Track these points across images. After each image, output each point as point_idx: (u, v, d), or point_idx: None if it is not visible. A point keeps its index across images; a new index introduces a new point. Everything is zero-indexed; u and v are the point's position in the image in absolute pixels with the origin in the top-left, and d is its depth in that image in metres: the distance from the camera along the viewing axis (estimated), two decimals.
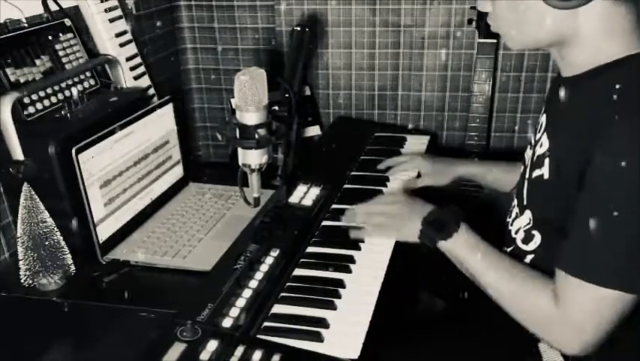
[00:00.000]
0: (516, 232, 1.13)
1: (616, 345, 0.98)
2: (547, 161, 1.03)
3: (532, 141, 1.15)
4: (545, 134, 1.07)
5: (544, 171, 1.04)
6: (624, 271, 0.90)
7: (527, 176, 1.11)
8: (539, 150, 1.07)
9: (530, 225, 1.08)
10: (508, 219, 1.19)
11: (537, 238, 1.08)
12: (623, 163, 0.87)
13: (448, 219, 1.17)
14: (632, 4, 0.95)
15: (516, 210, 1.15)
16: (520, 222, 1.12)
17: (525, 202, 1.11)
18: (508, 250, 1.17)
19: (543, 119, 1.12)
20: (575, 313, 0.95)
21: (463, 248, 1.14)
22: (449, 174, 1.56)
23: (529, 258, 1.10)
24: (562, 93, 1.06)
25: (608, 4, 0.93)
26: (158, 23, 1.97)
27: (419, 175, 1.59)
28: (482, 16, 1.83)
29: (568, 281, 0.94)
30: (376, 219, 1.28)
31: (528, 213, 1.09)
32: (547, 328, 1.00)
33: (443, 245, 1.16)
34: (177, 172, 1.56)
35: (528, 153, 1.17)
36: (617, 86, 0.92)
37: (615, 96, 0.91)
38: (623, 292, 0.90)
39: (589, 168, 0.90)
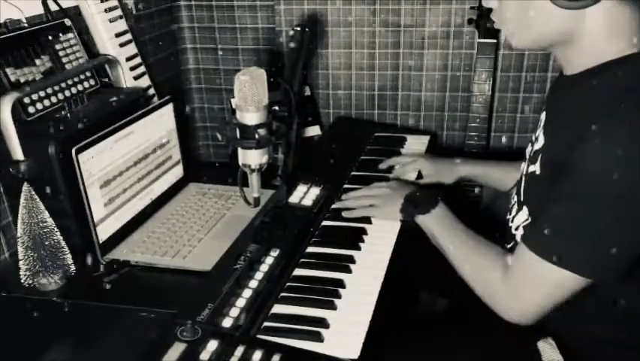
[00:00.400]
0: (516, 229, 1.13)
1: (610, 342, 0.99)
2: (540, 157, 1.04)
3: (533, 138, 1.15)
4: (542, 131, 1.07)
5: (537, 168, 1.05)
6: (572, 250, 0.94)
7: (524, 172, 1.12)
8: (535, 146, 1.08)
9: (529, 221, 1.09)
10: (508, 216, 1.20)
11: None
12: (604, 152, 0.88)
13: (427, 197, 1.29)
14: (636, 4, 0.95)
15: (516, 206, 1.16)
16: (519, 219, 1.12)
17: (522, 198, 1.11)
18: (509, 246, 1.17)
19: (543, 116, 1.12)
20: (519, 282, 1.01)
21: (437, 223, 1.24)
22: (451, 174, 1.56)
23: None
24: (562, 91, 1.07)
25: (614, 4, 0.94)
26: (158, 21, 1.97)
27: (420, 176, 1.59)
28: (482, 16, 1.83)
29: (521, 251, 1.00)
30: (364, 201, 1.39)
31: (526, 210, 1.10)
32: (495, 295, 1.06)
33: (420, 219, 1.26)
34: (177, 172, 1.56)
35: (528, 150, 1.17)
36: (615, 83, 0.93)
37: (612, 93, 0.91)
38: (566, 271, 0.94)
39: (572, 155, 0.92)
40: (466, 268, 1.14)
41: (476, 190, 1.89)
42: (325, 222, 1.37)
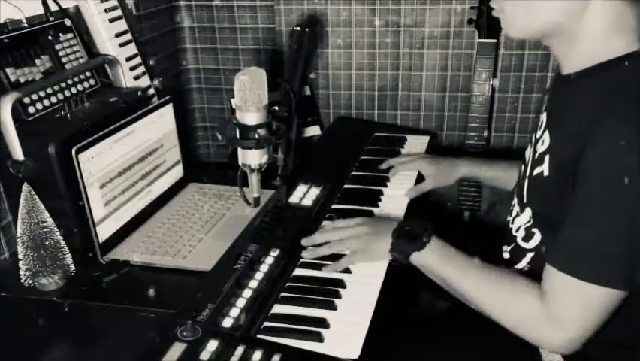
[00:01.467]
0: (516, 230, 1.13)
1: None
2: (547, 158, 1.04)
3: (533, 140, 1.15)
4: (547, 131, 1.07)
5: (544, 169, 1.04)
6: (610, 267, 0.91)
7: (528, 174, 1.11)
8: (540, 148, 1.07)
9: (530, 223, 1.09)
10: (508, 218, 1.19)
11: (537, 236, 1.08)
12: (619, 159, 0.87)
13: (419, 230, 1.15)
14: (637, 3, 0.95)
15: (516, 208, 1.15)
16: (520, 221, 1.12)
17: (525, 200, 1.11)
18: (509, 248, 1.17)
19: (544, 117, 1.12)
20: (561, 310, 0.95)
21: (438, 258, 1.12)
22: (452, 174, 1.55)
23: (529, 256, 1.11)
24: (562, 90, 1.06)
25: (616, 2, 0.94)
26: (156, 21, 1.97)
27: (421, 177, 1.57)
28: (482, 16, 1.83)
29: (556, 277, 0.95)
30: (341, 245, 1.21)
31: (528, 211, 1.09)
32: (533, 327, 1.00)
33: (416, 257, 1.14)
34: (177, 172, 1.56)
35: (528, 151, 1.17)
36: (618, 84, 0.93)
37: (614, 93, 0.91)
38: (609, 289, 0.91)
39: (581, 160, 0.91)
40: (491, 302, 1.05)
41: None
42: (325, 223, 1.37)
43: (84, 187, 1.20)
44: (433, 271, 1.13)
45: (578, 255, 0.93)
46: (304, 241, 1.24)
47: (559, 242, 0.96)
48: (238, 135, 1.13)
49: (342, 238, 1.22)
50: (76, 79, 1.41)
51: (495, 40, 1.84)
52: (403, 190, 1.50)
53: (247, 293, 1.08)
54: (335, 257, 1.20)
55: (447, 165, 1.57)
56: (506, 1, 1.01)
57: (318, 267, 1.19)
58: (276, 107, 1.30)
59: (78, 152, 1.18)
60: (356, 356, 0.97)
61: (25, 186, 1.14)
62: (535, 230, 1.08)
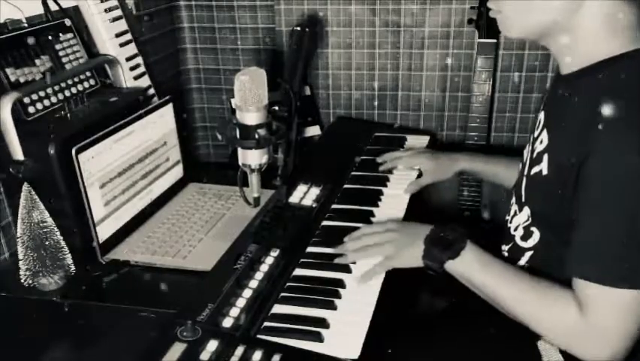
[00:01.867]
0: (515, 229, 1.13)
1: None
2: (546, 157, 1.04)
3: (531, 138, 1.15)
4: (545, 130, 1.07)
5: (543, 168, 1.04)
6: (638, 270, 0.89)
7: (526, 173, 1.11)
8: (539, 147, 1.07)
9: (529, 222, 1.09)
10: (507, 217, 1.19)
11: (536, 235, 1.08)
12: (621, 161, 0.87)
13: (453, 236, 1.11)
14: (634, 3, 0.95)
15: (515, 207, 1.15)
16: (519, 220, 1.12)
17: (524, 199, 1.11)
18: (507, 247, 1.17)
19: (542, 116, 1.12)
20: (602, 321, 0.92)
21: (474, 265, 1.08)
22: (451, 168, 1.54)
23: (527, 255, 1.11)
24: (561, 90, 1.07)
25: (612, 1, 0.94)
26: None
27: (420, 174, 1.57)
28: (482, 16, 1.83)
29: (589, 288, 0.92)
30: (372, 251, 1.19)
31: (527, 210, 1.09)
32: (573, 339, 0.97)
33: (451, 265, 1.10)
34: (177, 172, 1.56)
35: (527, 150, 1.17)
36: (616, 83, 0.93)
37: (614, 93, 0.91)
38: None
39: (584, 166, 0.91)
40: (531, 312, 1.02)
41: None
42: (325, 222, 1.37)
43: (84, 187, 1.20)
44: (468, 278, 1.09)
45: (604, 263, 0.91)
46: (337, 249, 1.22)
47: (580, 250, 0.94)
48: (238, 135, 1.13)
49: (375, 243, 1.19)
50: (76, 79, 1.41)
51: (495, 40, 1.84)
52: (403, 190, 1.50)
53: (247, 293, 1.08)
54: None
55: (445, 158, 1.56)
56: (504, 2, 1.02)
57: (318, 267, 1.19)
58: (276, 107, 1.30)
59: (78, 152, 1.18)
60: (356, 356, 0.96)
61: (25, 186, 1.14)
62: (533, 229, 1.08)
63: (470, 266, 1.08)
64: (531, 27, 1.02)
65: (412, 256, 1.13)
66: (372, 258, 1.18)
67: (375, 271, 1.15)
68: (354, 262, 1.19)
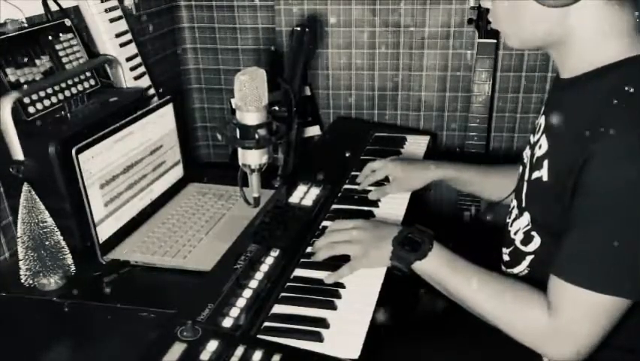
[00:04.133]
0: (515, 233, 1.13)
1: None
2: (546, 163, 1.03)
3: (531, 142, 1.15)
4: (544, 136, 1.07)
5: (544, 174, 1.03)
6: (617, 276, 0.91)
7: (527, 178, 1.11)
8: (538, 152, 1.07)
9: (529, 226, 1.08)
10: (507, 220, 1.19)
11: (536, 240, 1.08)
12: (618, 170, 0.87)
13: (421, 237, 1.12)
14: (628, 5, 0.95)
15: (515, 211, 1.15)
16: (519, 224, 1.12)
17: (524, 204, 1.11)
18: (508, 250, 1.17)
19: (542, 120, 1.12)
20: (570, 321, 0.95)
21: (441, 266, 1.10)
22: (421, 177, 1.48)
23: (528, 259, 1.10)
24: (560, 95, 1.06)
25: (601, 4, 0.94)
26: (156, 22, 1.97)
27: (387, 180, 1.51)
28: (482, 16, 1.83)
29: (563, 288, 0.94)
30: (340, 249, 1.19)
31: (527, 215, 1.09)
32: (540, 338, 0.99)
33: (418, 266, 1.11)
34: (177, 172, 1.56)
35: (527, 154, 1.16)
36: (615, 89, 0.92)
37: (613, 100, 0.91)
38: (618, 298, 0.91)
39: (583, 173, 0.91)
40: (493, 311, 1.04)
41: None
42: (325, 223, 1.36)
43: (84, 187, 1.20)
44: (434, 279, 1.11)
45: (585, 266, 0.92)
46: (311, 248, 1.23)
47: (565, 254, 0.95)
48: (238, 135, 1.13)
49: (344, 240, 1.20)
50: (76, 79, 1.41)
51: (495, 41, 1.84)
52: (403, 190, 1.50)
53: (247, 293, 1.08)
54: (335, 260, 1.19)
55: (416, 168, 1.50)
56: (498, 16, 1.03)
57: (319, 267, 1.19)
58: (276, 107, 1.30)
59: (78, 152, 1.18)
60: (356, 356, 0.97)
61: (25, 186, 1.14)
62: (534, 234, 1.08)
63: (438, 268, 1.10)
64: (526, 39, 1.03)
65: (379, 256, 1.14)
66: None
67: (342, 273, 1.15)
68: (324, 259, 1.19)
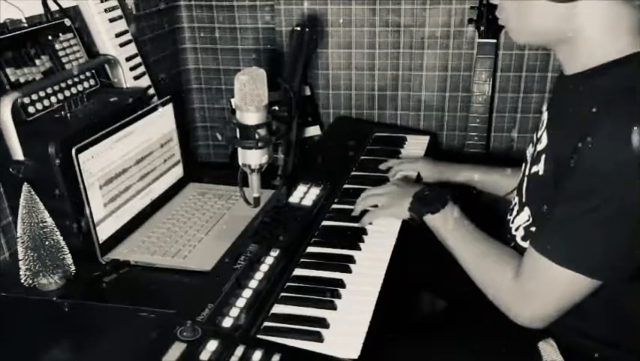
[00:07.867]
0: (516, 229, 1.13)
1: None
2: (543, 157, 1.04)
3: (534, 138, 1.15)
4: (546, 131, 1.07)
5: (540, 168, 1.05)
6: (582, 254, 0.94)
7: (527, 172, 1.12)
8: (539, 147, 1.08)
9: (530, 222, 1.09)
10: (509, 217, 1.19)
11: None
12: (608, 152, 0.88)
13: (437, 196, 1.26)
14: (633, 2, 0.96)
15: (517, 207, 1.15)
16: (520, 220, 1.12)
17: (524, 199, 1.11)
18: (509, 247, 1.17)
19: (545, 116, 1.12)
20: (530, 287, 1.01)
21: (447, 223, 1.21)
22: (450, 179, 1.53)
23: None
24: (563, 91, 1.07)
25: (607, 1, 0.94)
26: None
27: (419, 178, 1.57)
28: (482, 16, 1.83)
29: (532, 257, 1.00)
30: (371, 200, 1.37)
31: (527, 210, 1.10)
32: (505, 300, 1.05)
33: (429, 219, 1.24)
34: (177, 172, 1.56)
35: (529, 150, 1.17)
36: (617, 86, 0.92)
37: (615, 95, 0.91)
38: (578, 274, 0.94)
39: (572, 157, 0.92)
40: (476, 270, 1.13)
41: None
42: (325, 222, 1.37)
43: (84, 187, 1.20)
44: (440, 235, 1.22)
45: (555, 239, 0.97)
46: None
47: (543, 227, 1.01)
48: (238, 135, 1.13)
49: (373, 194, 1.37)
50: (76, 79, 1.41)
51: (495, 41, 1.84)
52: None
53: (247, 293, 1.08)
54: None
55: (445, 168, 1.55)
56: (505, 9, 1.04)
57: (318, 267, 1.19)
58: (276, 107, 1.30)
59: (78, 152, 1.18)
60: (356, 356, 0.97)
61: (25, 186, 1.14)
62: (534, 229, 1.08)
63: (444, 224, 1.22)
64: (532, 35, 1.05)
65: (400, 207, 1.30)
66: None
67: (365, 220, 1.33)
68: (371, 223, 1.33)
